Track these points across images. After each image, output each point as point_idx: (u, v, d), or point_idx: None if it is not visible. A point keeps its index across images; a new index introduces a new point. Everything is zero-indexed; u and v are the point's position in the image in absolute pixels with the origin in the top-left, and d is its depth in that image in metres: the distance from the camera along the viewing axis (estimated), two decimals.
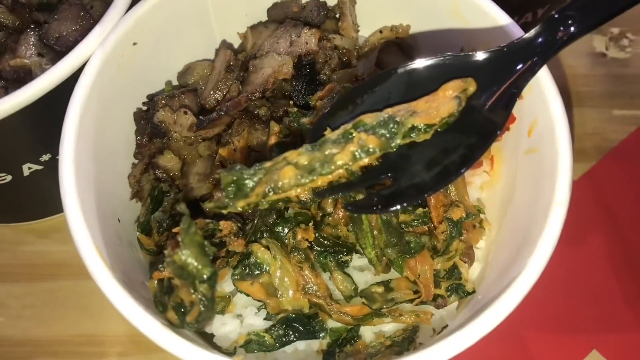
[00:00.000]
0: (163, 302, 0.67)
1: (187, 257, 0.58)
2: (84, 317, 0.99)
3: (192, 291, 0.59)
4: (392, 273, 0.79)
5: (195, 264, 0.58)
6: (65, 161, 0.69)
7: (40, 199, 0.98)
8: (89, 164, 0.73)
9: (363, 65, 0.91)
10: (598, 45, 1.21)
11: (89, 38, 0.78)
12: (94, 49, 0.77)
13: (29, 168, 0.88)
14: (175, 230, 0.66)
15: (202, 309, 0.60)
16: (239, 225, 0.75)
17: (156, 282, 0.70)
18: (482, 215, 0.85)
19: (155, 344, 0.95)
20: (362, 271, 0.80)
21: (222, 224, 0.72)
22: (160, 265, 0.66)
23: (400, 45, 0.92)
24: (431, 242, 0.79)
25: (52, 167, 0.90)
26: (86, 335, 0.97)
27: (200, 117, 0.79)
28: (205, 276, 0.59)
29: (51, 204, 1.02)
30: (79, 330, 0.98)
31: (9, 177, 0.87)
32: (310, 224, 0.75)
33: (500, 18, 0.80)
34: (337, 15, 0.91)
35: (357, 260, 0.80)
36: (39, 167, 0.89)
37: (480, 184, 0.87)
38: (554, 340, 0.97)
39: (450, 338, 0.62)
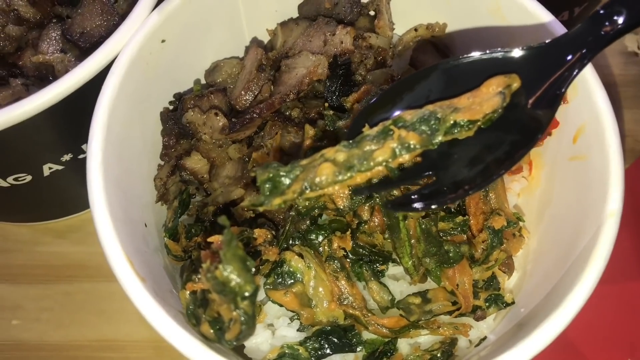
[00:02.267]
0: (197, 315, 0.64)
1: (230, 273, 0.55)
2: (102, 321, 0.95)
3: (233, 308, 0.56)
4: (428, 283, 0.77)
5: (238, 280, 0.55)
6: (93, 164, 0.66)
7: (58, 199, 0.95)
8: (116, 166, 0.70)
9: (397, 65, 0.88)
10: (630, 44, 1.17)
11: (116, 35, 0.74)
12: (122, 46, 0.73)
13: (50, 168, 0.84)
14: (212, 240, 0.63)
15: (244, 326, 0.57)
16: (273, 232, 0.72)
17: (188, 293, 0.67)
18: (520, 223, 0.82)
19: (179, 352, 0.93)
20: (397, 280, 0.78)
21: (257, 231, 0.69)
22: (195, 276, 0.63)
23: (436, 44, 0.88)
24: (470, 251, 0.76)
25: (73, 167, 0.87)
26: (105, 340, 0.94)
27: (233, 120, 0.75)
28: (247, 293, 0.56)
29: (69, 204, 0.98)
30: (98, 334, 0.95)
31: (28, 177, 0.84)
32: (348, 232, 0.72)
33: (543, 16, 0.77)
34: (371, 13, 0.87)
35: (391, 269, 0.77)
36: (60, 167, 0.85)
37: (519, 190, 0.84)
38: (587, 349, 0.94)
39: (504, 357, 0.59)
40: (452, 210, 0.77)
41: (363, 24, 0.86)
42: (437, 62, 0.85)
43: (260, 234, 0.69)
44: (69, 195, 0.95)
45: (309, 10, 0.87)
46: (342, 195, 0.69)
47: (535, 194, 0.84)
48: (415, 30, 0.87)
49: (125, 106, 0.72)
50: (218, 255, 0.58)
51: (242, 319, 0.56)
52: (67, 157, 0.84)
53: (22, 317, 0.96)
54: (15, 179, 0.83)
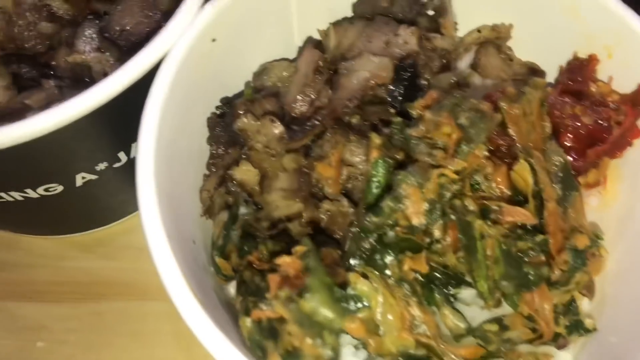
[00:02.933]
0: (262, 346, 0.57)
1: (317, 304, 0.48)
2: (135, 344, 0.88)
3: (318, 344, 0.49)
4: (502, 308, 0.70)
5: (327, 313, 0.48)
6: (145, 175, 0.59)
7: (88, 211, 0.88)
8: (166, 177, 0.63)
9: (457, 69, 0.81)
10: None
11: (165, 32, 0.67)
12: (171, 45, 0.66)
13: (83, 178, 0.78)
14: (281, 262, 0.56)
15: None
16: (339, 252, 0.65)
17: (250, 321, 0.60)
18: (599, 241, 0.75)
19: None
20: (468, 305, 0.71)
21: (325, 252, 0.62)
22: (262, 304, 0.56)
23: (500, 47, 0.82)
24: (549, 274, 0.69)
25: (107, 177, 0.80)
26: None
27: (293, 127, 0.68)
28: (337, 327, 0.49)
29: (99, 216, 0.92)
30: (131, 359, 0.87)
31: (60, 188, 0.77)
32: (423, 253, 0.65)
33: (629, 18, 0.70)
34: (430, 12, 0.81)
35: (461, 292, 0.71)
36: (93, 177, 0.79)
37: (596, 205, 0.77)
38: None
39: None
40: (529, 227, 0.70)
41: (422, 24, 0.80)
42: (501, 66, 0.79)
43: (327, 255, 0.62)
44: (99, 207, 0.88)
45: (365, 9, 0.80)
46: (418, 210, 0.62)
47: (611, 210, 0.78)
48: (479, 31, 0.81)
49: (174, 111, 0.65)
50: (296, 281, 0.51)
51: (329, 355, 0.49)
52: (102, 166, 0.78)
53: (48, 338, 0.89)
54: (45, 190, 0.76)
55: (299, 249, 0.61)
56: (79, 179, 0.77)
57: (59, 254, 0.94)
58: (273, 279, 0.54)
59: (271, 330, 0.55)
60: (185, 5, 0.69)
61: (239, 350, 0.54)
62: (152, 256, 0.57)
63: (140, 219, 0.59)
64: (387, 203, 0.63)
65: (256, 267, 0.71)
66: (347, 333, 0.49)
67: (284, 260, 0.55)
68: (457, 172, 0.64)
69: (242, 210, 0.76)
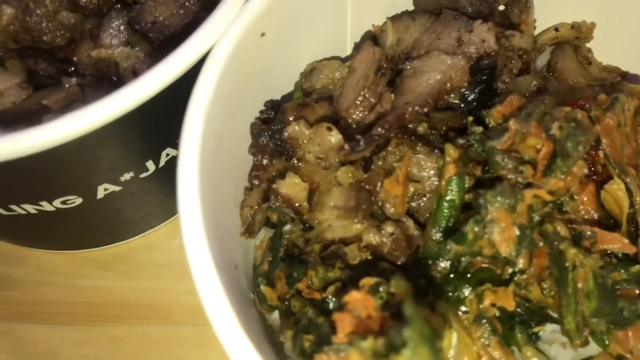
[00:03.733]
0: None
1: None
2: None
3: None
4: (588, 347, 0.60)
5: None
6: (188, 191, 0.50)
7: (108, 225, 0.79)
8: (209, 193, 0.54)
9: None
10: None
11: (207, 25, 0.58)
12: (215, 40, 0.57)
13: (105, 189, 0.68)
14: (349, 299, 0.47)
15: None
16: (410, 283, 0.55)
17: None
18: None
19: None
20: (549, 344, 0.61)
21: (395, 283, 0.53)
22: (328, 347, 0.47)
23: (578, 48, 0.73)
24: None
25: (132, 188, 0.72)
26: None
27: (357, 137, 0.59)
28: None
29: (119, 230, 0.82)
30: None
31: (78, 201, 0.68)
32: (510, 287, 0.56)
33: None
34: (501, 7, 0.71)
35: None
36: (117, 189, 0.70)
37: None
38: None
39: None
40: (622, 256, 0.61)
41: (497, 19, 0.70)
42: (578, 70, 0.70)
43: (400, 288, 0.53)
44: (120, 220, 0.79)
45: (428, 2, 0.71)
46: (509, 237, 0.53)
47: None
48: (556, 30, 0.72)
49: (219, 115, 0.56)
50: (369, 322, 0.42)
51: None
52: (127, 177, 0.68)
53: None
54: (63, 202, 0.67)
55: (367, 281, 0.51)
56: (101, 191, 0.68)
57: (73, 271, 0.85)
58: (342, 319, 0.45)
59: None
60: None
61: None
62: (197, 286, 0.47)
63: (183, 240, 0.49)
64: (472, 228, 0.54)
65: (305, 297, 0.62)
66: None
67: (352, 297, 0.45)
68: (551, 193, 0.55)
69: (287, 227, 0.67)
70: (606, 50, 0.73)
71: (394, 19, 0.71)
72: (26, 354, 0.80)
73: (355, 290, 0.50)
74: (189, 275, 0.84)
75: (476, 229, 0.54)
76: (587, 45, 0.74)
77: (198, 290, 0.48)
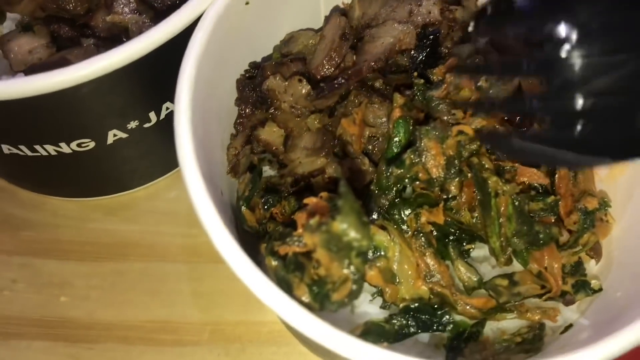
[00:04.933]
0: (287, 280, 0.60)
1: (347, 226, 0.51)
2: (155, 302, 0.91)
3: (345, 265, 0.52)
4: (511, 267, 0.73)
5: (355, 234, 0.52)
6: (182, 121, 0.62)
7: (116, 172, 0.91)
8: (200, 130, 0.66)
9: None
10: None
11: None
12: (205, 7, 0.70)
13: (114, 135, 0.81)
14: (307, 201, 0.60)
15: (354, 286, 0.53)
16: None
17: (275, 260, 0.63)
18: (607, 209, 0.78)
19: (233, 332, 0.89)
20: (479, 263, 0.74)
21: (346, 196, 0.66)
22: (289, 239, 0.59)
23: None
24: (558, 234, 0.72)
25: (137, 136, 0.84)
26: (159, 322, 0.90)
27: (322, 85, 0.72)
28: (364, 248, 0.52)
29: (125, 179, 0.95)
30: (151, 316, 0.90)
31: (92, 144, 0.81)
32: (440, 205, 0.68)
33: None
34: None
35: (474, 251, 0.74)
36: (124, 135, 0.82)
37: (604, 175, 0.80)
38: None
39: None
40: (541, 189, 0.73)
41: None
42: None
43: (350, 198, 0.65)
44: (126, 169, 0.92)
45: None
46: (438, 163, 0.66)
47: (618, 181, 0.81)
48: None
49: (209, 67, 0.69)
50: (326, 210, 0.55)
51: (354, 277, 0.52)
52: (133, 125, 0.81)
53: (71, 294, 0.92)
54: (78, 145, 0.80)
55: (325, 194, 0.64)
56: (111, 136, 0.81)
57: (83, 215, 0.98)
58: (300, 216, 0.57)
59: (297, 264, 0.58)
60: None
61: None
62: (194, 203, 0.60)
63: (181, 172, 0.61)
64: (409, 155, 0.67)
65: (279, 220, 0.74)
66: (365, 251, 0.52)
67: (310, 200, 0.58)
68: (475, 130, 0.68)
69: (267, 170, 0.80)
70: None
71: None
72: (42, 284, 0.92)
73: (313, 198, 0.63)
74: (183, 220, 0.98)
75: (412, 155, 0.67)
76: None
77: (195, 208, 0.59)
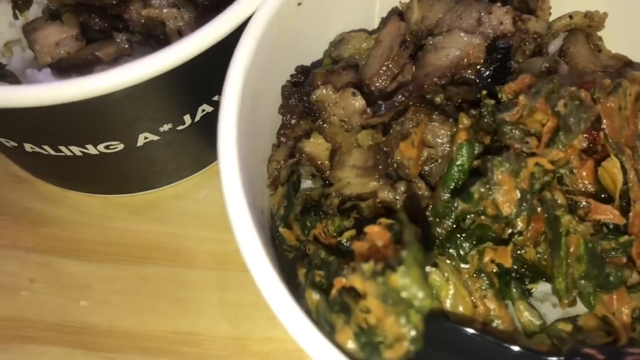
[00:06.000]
0: (330, 321, 0.54)
1: (410, 280, 0.45)
2: (180, 311, 0.86)
3: (402, 323, 0.46)
4: (575, 308, 0.67)
5: (417, 292, 0.45)
6: (227, 142, 0.56)
7: (144, 172, 0.86)
8: (245, 145, 0.60)
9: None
10: None
11: None
12: (256, 6, 0.63)
13: (145, 138, 0.75)
14: (369, 230, 0.53)
15: (412, 347, 0.47)
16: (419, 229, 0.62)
17: (317, 294, 0.58)
18: None
19: (261, 349, 0.84)
20: (540, 302, 0.68)
21: (407, 225, 0.59)
22: (342, 274, 0.53)
23: (590, 36, 0.78)
24: (630, 276, 0.66)
25: (168, 139, 0.78)
26: (182, 333, 0.85)
27: (379, 102, 0.65)
28: (425, 308, 0.46)
29: (153, 178, 0.89)
30: (174, 325, 0.85)
31: (120, 146, 0.75)
32: (509, 246, 0.62)
33: None
34: None
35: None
36: (155, 138, 0.76)
37: None
38: None
39: None
40: (612, 227, 0.66)
41: (515, 3, 0.76)
42: (589, 56, 0.75)
43: (410, 230, 0.59)
44: (154, 169, 0.86)
45: None
46: (510, 199, 0.59)
47: None
48: (570, 17, 0.77)
49: (256, 75, 0.62)
50: (385, 252, 0.48)
51: (412, 336, 0.46)
52: (166, 128, 0.75)
53: (92, 298, 0.87)
54: (106, 147, 0.74)
55: (384, 220, 0.58)
56: (141, 139, 0.75)
57: (106, 213, 0.92)
58: (359, 247, 0.51)
59: (342, 305, 0.52)
60: None
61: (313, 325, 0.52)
62: (232, 222, 0.54)
63: (221, 184, 0.55)
64: (478, 189, 0.60)
65: (322, 242, 0.68)
66: (428, 310, 0.46)
67: (371, 229, 0.52)
68: (552, 162, 0.61)
69: (308, 184, 0.73)
70: (616, 40, 0.78)
71: None
72: (62, 285, 0.87)
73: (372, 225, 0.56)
74: (213, 224, 0.92)
75: (482, 189, 0.60)
76: (599, 34, 0.79)
77: (233, 227, 0.54)
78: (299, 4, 0.66)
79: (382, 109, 0.64)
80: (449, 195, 0.63)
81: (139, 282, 0.88)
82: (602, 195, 0.68)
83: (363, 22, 0.78)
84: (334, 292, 0.54)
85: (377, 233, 0.55)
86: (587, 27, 0.77)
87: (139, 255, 0.90)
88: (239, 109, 0.58)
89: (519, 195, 0.60)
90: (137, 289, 0.87)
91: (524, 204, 0.60)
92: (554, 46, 0.78)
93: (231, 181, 0.54)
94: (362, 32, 0.75)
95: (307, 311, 0.57)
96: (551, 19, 0.79)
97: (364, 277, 0.48)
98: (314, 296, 0.58)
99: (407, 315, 0.47)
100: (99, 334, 0.85)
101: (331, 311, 0.55)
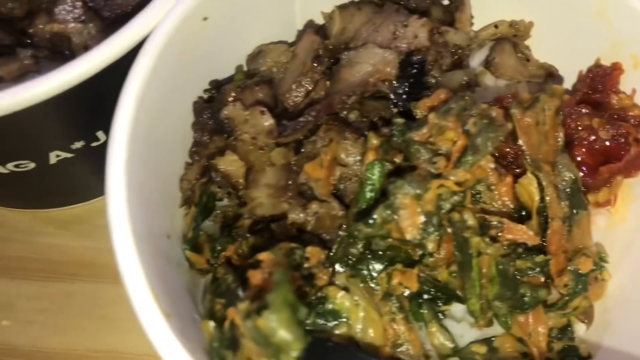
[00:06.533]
0: (221, 356, 0.53)
1: (276, 324, 0.43)
2: (105, 329, 0.84)
3: None
4: (493, 328, 0.65)
5: (286, 335, 0.44)
6: (115, 169, 0.54)
7: (65, 188, 0.83)
8: (141, 167, 0.58)
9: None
10: None
11: (150, 8, 0.61)
12: (156, 23, 0.61)
13: (57, 156, 0.72)
14: (269, 256, 0.52)
15: None
16: (326, 252, 0.60)
17: (213, 325, 0.56)
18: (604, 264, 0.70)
19: None
20: (458, 322, 0.66)
21: (310, 250, 0.58)
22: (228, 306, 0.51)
23: (517, 45, 0.76)
24: (547, 296, 0.65)
25: (85, 156, 0.75)
26: (108, 352, 0.83)
27: (283, 122, 0.63)
28: (295, 353, 0.45)
29: (77, 193, 0.87)
30: (100, 344, 0.83)
31: (31, 165, 0.72)
32: (415, 269, 0.60)
33: None
34: (445, 1, 0.75)
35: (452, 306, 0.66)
36: (69, 155, 0.73)
37: (604, 226, 0.72)
38: None
39: None
40: (530, 246, 0.65)
41: (436, 14, 0.74)
42: (516, 66, 0.74)
43: (314, 253, 0.58)
44: (77, 184, 0.83)
45: None
46: (413, 223, 0.57)
47: (617, 230, 0.73)
48: (496, 27, 0.75)
49: (155, 94, 0.60)
50: (261, 293, 0.47)
51: None
52: (78, 145, 0.72)
53: (14, 317, 0.84)
54: (16, 166, 0.71)
55: (284, 245, 0.56)
56: (53, 157, 0.72)
57: (33, 229, 0.90)
58: (253, 276, 0.49)
59: (232, 339, 0.51)
60: None
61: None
62: (118, 262, 0.52)
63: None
64: (380, 213, 0.58)
65: (234, 263, 0.66)
66: (298, 355, 0.45)
67: (266, 256, 0.50)
68: (458, 184, 0.59)
69: (224, 202, 0.71)
70: (544, 49, 0.76)
71: (342, 7, 0.74)
72: None
73: (270, 251, 0.55)
74: None
75: (385, 213, 0.58)
76: (527, 43, 0.77)
77: (117, 259, 0.52)
78: (205, 18, 0.64)
79: (288, 130, 0.62)
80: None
81: (65, 299, 0.86)
82: (522, 212, 0.67)
83: (284, 33, 0.76)
84: (226, 324, 0.52)
85: (272, 260, 0.53)
86: (514, 36, 0.75)
87: (65, 272, 0.87)
88: (131, 132, 0.56)
89: (423, 218, 0.58)
90: (62, 307, 0.85)
91: (430, 227, 0.59)
92: (480, 57, 0.76)
93: (116, 212, 0.52)
94: (281, 44, 0.73)
95: None
96: (478, 27, 0.77)
97: (240, 315, 0.46)
98: (209, 327, 0.56)
99: (277, 358, 0.46)
100: (21, 355, 0.83)
101: (222, 345, 0.53)
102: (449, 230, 0.61)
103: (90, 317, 0.85)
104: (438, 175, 0.60)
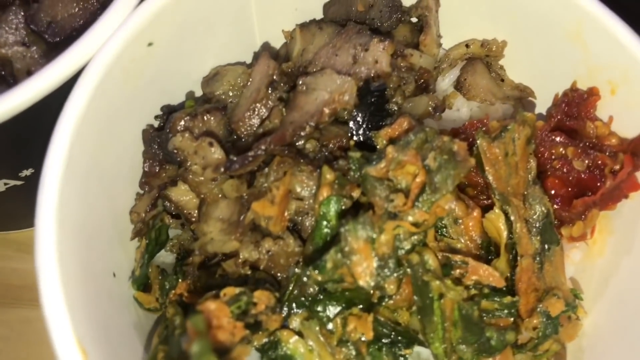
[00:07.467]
0: None
1: None
2: None
3: None
4: None
5: None
6: (44, 217, 0.50)
7: (21, 211, 0.80)
8: (77, 206, 0.55)
9: (439, 86, 0.71)
10: None
11: (91, 33, 0.57)
12: (97, 49, 0.57)
13: (5, 184, 0.69)
14: (210, 306, 0.49)
15: None
16: (277, 295, 0.56)
17: None
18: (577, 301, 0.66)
19: None
20: None
21: (258, 294, 0.54)
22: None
23: (491, 65, 0.72)
24: (515, 337, 0.61)
25: (34, 182, 0.71)
26: None
27: (231, 157, 0.59)
28: None
29: (34, 216, 0.83)
30: None
31: None
32: (370, 315, 0.56)
33: (634, 47, 0.60)
34: (414, 19, 0.70)
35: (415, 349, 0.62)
36: (18, 183, 0.70)
37: (578, 260, 0.68)
38: None
39: None
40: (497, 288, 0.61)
41: (402, 33, 0.70)
42: (489, 87, 0.70)
43: (262, 298, 0.54)
44: (32, 209, 0.79)
45: (337, 11, 0.70)
46: (367, 268, 0.54)
47: (595, 265, 0.69)
48: (467, 46, 0.71)
49: (94, 128, 0.56)
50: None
51: None
52: (27, 173, 0.69)
53: None
54: None
55: (228, 291, 0.53)
56: (1, 185, 0.69)
57: None
58: (191, 328, 0.46)
59: None
60: (119, 1, 0.59)
61: None
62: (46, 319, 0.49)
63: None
64: (332, 257, 0.54)
65: (185, 300, 0.63)
66: None
67: (206, 307, 0.48)
68: (416, 225, 0.55)
69: (177, 232, 0.68)
70: (519, 70, 0.72)
71: (303, 27, 0.70)
72: None
73: (212, 299, 0.51)
74: None
75: (336, 257, 0.54)
76: (501, 63, 0.73)
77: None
78: (150, 44, 0.60)
79: (236, 165, 0.58)
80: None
81: (24, 326, 0.83)
82: (491, 248, 0.63)
83: (244, 53, 0.72)
84: None
85: (213, 311, 0.50)
86: (486, 56, 0.71)
87: (25, 297, 0.84)
88: (66, 172, 0.53)
89: (377, 263, 0.54)
90: (21, 334, 0.82)
91: (386, 270, 0.55)
92: (451, 77, 0.71)
93: (44, 261, 0.49)
94: (239, 66, 0.69)
95: None
96: (450, 45, 0.73)
97: None
98: None
99: None
100: None
101: None
102: (409, 271, 0.58)
103: (50, 345, 0.82)
104: (395, 215, 0.56)
